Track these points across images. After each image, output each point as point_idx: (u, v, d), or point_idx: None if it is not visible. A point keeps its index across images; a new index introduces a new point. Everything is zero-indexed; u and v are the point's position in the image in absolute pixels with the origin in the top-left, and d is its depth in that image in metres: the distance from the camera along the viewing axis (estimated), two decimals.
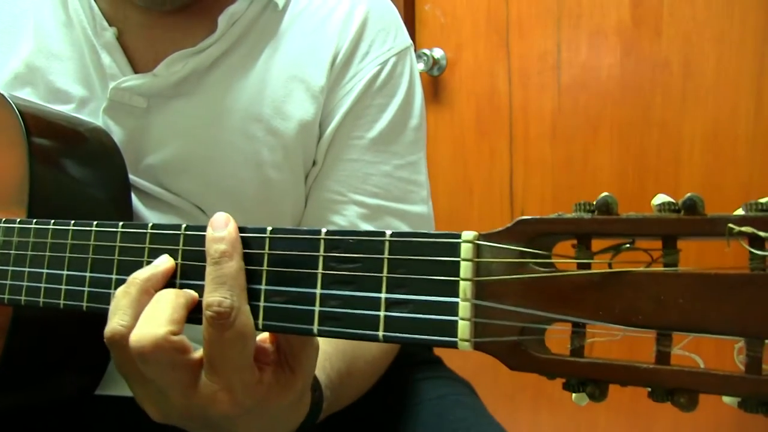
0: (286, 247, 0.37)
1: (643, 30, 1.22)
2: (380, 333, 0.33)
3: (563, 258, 0.29)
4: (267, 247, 0.37)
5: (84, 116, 0.62)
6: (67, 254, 0.46)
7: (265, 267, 0.37)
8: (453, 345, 0.30)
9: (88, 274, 0.44)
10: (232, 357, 0.36)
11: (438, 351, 0.78)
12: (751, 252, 0.26)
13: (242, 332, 0.36)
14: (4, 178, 0.55)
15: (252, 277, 0.38)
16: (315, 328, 0.35)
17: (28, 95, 0.62)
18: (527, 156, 1.35)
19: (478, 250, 0.31)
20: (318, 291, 0.35)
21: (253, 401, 0.38)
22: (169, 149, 0.61)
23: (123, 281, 0.40)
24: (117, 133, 0.61)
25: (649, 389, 0.28)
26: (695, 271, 0.27)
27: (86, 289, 0.44)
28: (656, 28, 1.21)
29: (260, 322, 0.37)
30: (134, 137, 0.61)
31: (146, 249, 0.42)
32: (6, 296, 0.49)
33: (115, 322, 0.38)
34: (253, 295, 0.37)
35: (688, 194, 0.27)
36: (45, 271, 0.46)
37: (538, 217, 0.29)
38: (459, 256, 0.31)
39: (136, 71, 0.62)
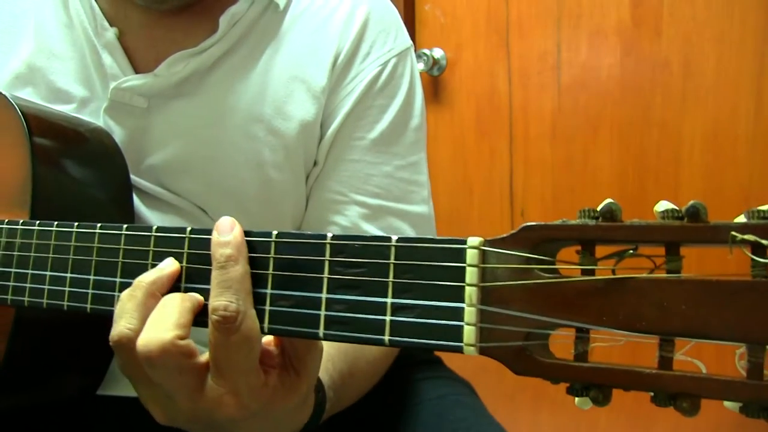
0: (291, 251, 0.37)
1: (643, 30, 1.22)
2: (386, 337, 0.33)
3: (567, 264, 0.30)
4: (273, 251, 0.37)
5: (85, 116, 0.62)
6: (71, 256, 0.46)
7: (270, 271, 0.37)
8: (458, 350, 0.30)
9: (92, 277, 0.44)
10: (238, 361, 0.36)
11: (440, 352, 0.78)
12: (753, 259, 0.26)
13: (248, 336, 0.36)
14: (6, 179, 0.55)
15: (258, 281, 0.38)
16: (321, 332, 0.35)
17: (29, 95, 0.62)
18: (527, 156, 1.35)
19: (483, 255, 0.31)
20: (324, 295, 0.35)
21: (259, 404, 0.38)
22: (170, 149, 0.61)
23: (127, 284, 0.41)
24: (118, 133, 0.61)
25: (652, 394, 0.28)
26: (698, 278, 0.27)
27: (90, 291, 0.44)
28: (656, 28, 1.21)
29: (266, 325, 0.37)
30: (135, 137, 0.61)
31: (150, 252, 0.42)
32: (9, 297, 0.49)
33: (121, 326, 0.38)
34: (258, 299, 0.38)
35: (691, 202, 0.28)
36: (48, 273, 0.47)
37: (542, 223, 0.30)
38: (465, 262, 0.31)
39: (137, 71, 0.62)
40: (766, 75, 1.14)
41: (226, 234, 0.38)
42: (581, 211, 0.29)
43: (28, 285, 0.48)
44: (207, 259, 0.39)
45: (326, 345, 0.42)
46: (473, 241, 0.31)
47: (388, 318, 0.33)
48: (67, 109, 0.62)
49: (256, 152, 0.62)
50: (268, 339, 0.40)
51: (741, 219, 0.27)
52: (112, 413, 0.61)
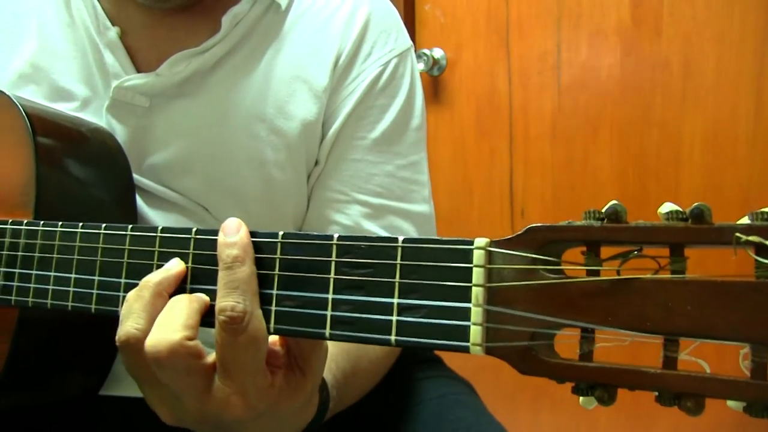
0: (297, 251, 0.37)
1: (643, 30, 1.22)
2: (392, 337, 0.33)
3: (573, 265, 0.30)
4: (279, 251, 0.38)
5: (87, 115, 0.62)
6: (76, 256, 0.46)
7: (276, 271, 0.38)
8: (465, 350, 0.31)
9: (96, 278, 0.44)
10: (245, 361, 0.37)
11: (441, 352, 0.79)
12: (757, 260, 0.27)
13: (255, 336, 0.36)
14: (10, 179, 0.56)
15: (264, 281, 0.38)
16: (327, 332, 0.35)
17: (32, 93, 0.62)
18: (527, 156, 1.36)
19: (490, 256, 0.31)
20: (330, 296, 0.35)
21: (266, 405, 0.38)
22: (171, 149, 0.61)
23: (132, 284, 0.41)
24: (120, 132, 0.61)
25: (657, 393, 0.28)
26: (702, 279, 0.28)
27: (94, 291, 0.44)
28: (656, 28, 1.21)
29: (272, 326, 0.37)
30: (137, 136, 0.61)
31: (156, 252, 0.42)
32: (13, 298, 0.49)
33: (129, 326, 0.38)
34: (264, 300, 0.38)
35: (696, 204, 0.28)
36: (53, 273, 0.47)
37: (548, 224, 0.30)
38: (471, 263, 0.31)
39: (139, 71, 0.62)
40: (766, 75, 1.14)
41: (233, 235, 0.38)
42: (586, 213, 0.30)
43: (32, 285, 0.48)
44: (212, 260, 0.39)
45: (329, 344, 0.42)
46: (480, 242, 0.32)
47: (394, 318, 0.33)
48: (69, 107, 0.62)
49: (258, 151, 0.62)
50: (273, 339, 0.40)
51: (745, 221, 0.28)
52: (114, 414, 0.61)
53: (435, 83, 1.44)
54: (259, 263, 0.38)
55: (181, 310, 0.38)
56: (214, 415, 0.38)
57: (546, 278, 0.30)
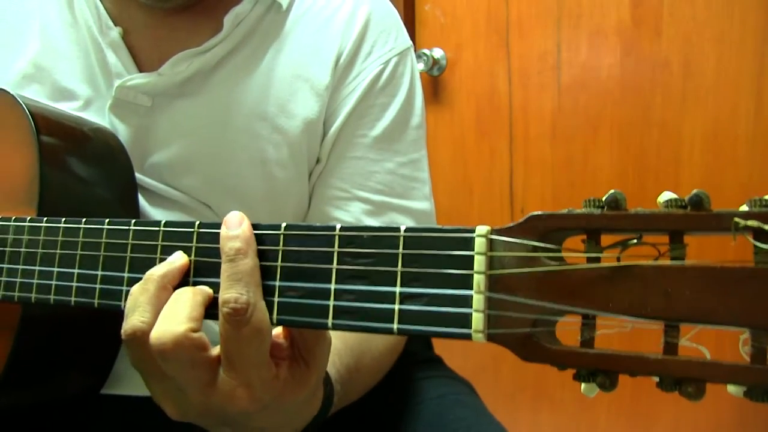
0: (300, 243, 0.37)
1: (643, 30, 1.23)
2: (395, 326, 0.33)
3: (573, 252, 0.30)
4: (281, 243, 0.38)
5: (90, 114, 0.62)
6: (79, 252, 0.46)
7: (279, 263, 0.38)
8: (467, 336, 0.31)
9: (99, 272, 0.44)
10: (249, 353, 0.37)
11: (439, 350, 0.79)
12: (755, 246, 0.27)
13: (259, 328, 0.36)
14: (14, 177, 0.56)
15: (266, 273, 0.38)
16: (329, 321, 0.35)
17: (35, 93, 0.62)
18: (527, 156, 1.36)
19: (491, 244, 0.32)
20: (332, 286, 0.36)
21: (271, 397, 0.38)
22: (174, 148, 0.62)
23: (135, 279, 0.41)
24: (122, 132, 0.62)
25: (658, 379, 0.28)
26: (702, 265, 0.28)
27: (98, 286, 0.45)
28: (656, 28, 1.22)
29: (275, 317, 0.38)
30: (139, 136, 0.62)
31: (159, 246, 0.42)
32: (16, 294, 0.49)
33: (134, 319, 0.38)
34: (267, 291, 0.38)
35: (695, 191, 0.28)
36: (56, 269, 0.47)
37: (549, 212, 0.30)
38: (473, 250, 0.32)
39: (141, 70, 0.63)
40: (766, 75, 1.14)
41: (235, 228, 0.38)
42: (587, 201, 0.30)
43: (35, 281, 0.48)
44: (215, 253, 0.39)
45: (333, 339, 0.43)
46: (481, 229, 0.32)
47: (396, 307, 0.33)
48: (72, 107, 0.62)
49: (259, 150, 0.62)
50: (277, 331, 0.40)
51: (743, 208, 0.28)
52: (116, 412, 0.61)
53: (435, 83, 1.44)
54: (261, 255, 0.38)
55: (185, 302, 0.38)
56: (218, 408, 0.38)
57: (547, 265, 0.30)
